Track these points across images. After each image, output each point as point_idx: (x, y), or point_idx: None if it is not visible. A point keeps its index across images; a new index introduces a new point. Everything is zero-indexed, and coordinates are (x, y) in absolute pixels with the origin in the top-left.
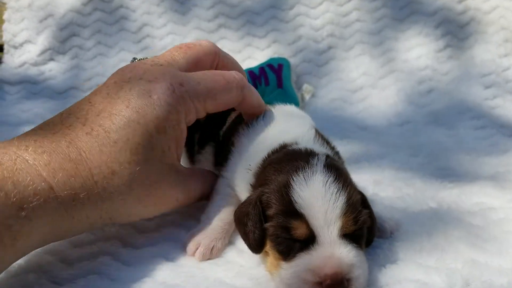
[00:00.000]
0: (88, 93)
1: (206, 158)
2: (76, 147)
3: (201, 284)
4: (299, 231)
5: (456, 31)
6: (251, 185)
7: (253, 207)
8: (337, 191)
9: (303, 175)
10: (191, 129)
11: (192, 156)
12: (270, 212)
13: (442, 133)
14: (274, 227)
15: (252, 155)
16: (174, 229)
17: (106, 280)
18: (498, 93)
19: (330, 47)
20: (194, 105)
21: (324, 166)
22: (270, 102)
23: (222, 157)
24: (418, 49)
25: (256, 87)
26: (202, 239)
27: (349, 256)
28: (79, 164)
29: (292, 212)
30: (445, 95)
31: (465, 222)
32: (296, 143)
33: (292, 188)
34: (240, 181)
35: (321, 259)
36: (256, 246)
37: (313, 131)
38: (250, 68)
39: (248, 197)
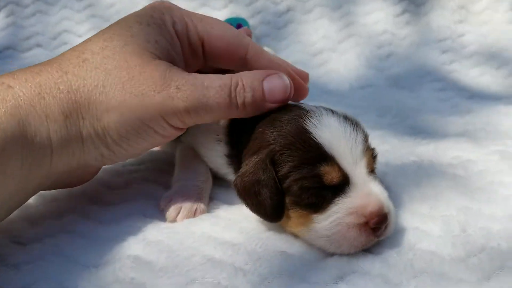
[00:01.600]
0: (28, 53)
1: None
2: (55, 61)
3: (187, 239)
4: (332, 174)
5: None
6: (226, 155)
7: (263, 171)
8: (353, 128)
9: (315, 119)
10: None
11: None
12: (289, 166)
13: (405, 96)
14: (300, 180)
15: (210, 125)
16: (146, 185)
17: (78, 239)
18: (455, 58)
19: (289, 9)
20: (184, 18)
21: (325, 109)
22: None
23: None
24: (376, 14)
25: None
26: (182, 202)
27: (383, 191)
28: (47, 64)
29: (319, 157)
30: (404, 59)
31: (449, 173)
32: None
33: (311, 132)
34: (208, 152)
35: (362, 198)
36: (277, 214)
37: None
38: None
39: (252, 164)
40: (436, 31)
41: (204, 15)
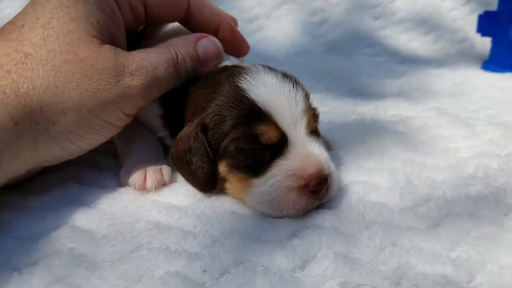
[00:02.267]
0: None
1: None
2: None
3: (129, 205)
4: (270, 134)
5: None
6: (161, 117)
7: (194, 139)
8: (293, 86)
9: (250, 77)
10: None
11: None
12: (225, 128)
13: (340, 61)
14: (236, 140)
15: None
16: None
17: (5, 211)
18: (386, 24)
19: None
20: None
21: (262, 66)
22: None
23: None
24: None
25: None
26: (144, 167)
27: (323, 152)
28: None
29: (255, 116)
30: (338, 25)
31: (391, 130)
32: None
33: (246, 90)
34: (144, 115)
35: (301, 160)
36: (208, 183)
37: None
38: None
39: (183, 132)
40: None
41: None
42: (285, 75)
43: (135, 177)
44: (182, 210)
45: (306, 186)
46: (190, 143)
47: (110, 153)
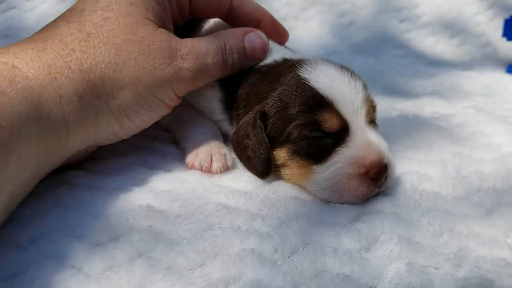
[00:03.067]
0: None
1: None
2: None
3: (197, 188)
4: (332, 121)
5: None
6: (222, 101)
7: (252, 126)
8: (352, 76)
9: (310, 67)
10: None
11: None
12: (287, 115)
13: (370, 61)
14: (299, 127)
15: None
16: (141, 138)
17: (79, 190)
18: (411, 27)
19: None
20: None
21: (320, 58)
22: None
23: None
24: None
25: None
26: (210, 151)
27: (382, 141)
28: (48, 39)
29: (318, 103)
30: (365, 27)
31: (434, 125)
32: None
33: (308, 79)
34: (203, 99)
35: (362, 148)
36: (264, 169)
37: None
38: None
39: (244, 120)
40: (393, 1)
41: None
42: (343, 67)
43: (203, 159)
44: (247, 195)
45: (366, 173)
46: (249, 129)
47: (171, 141)
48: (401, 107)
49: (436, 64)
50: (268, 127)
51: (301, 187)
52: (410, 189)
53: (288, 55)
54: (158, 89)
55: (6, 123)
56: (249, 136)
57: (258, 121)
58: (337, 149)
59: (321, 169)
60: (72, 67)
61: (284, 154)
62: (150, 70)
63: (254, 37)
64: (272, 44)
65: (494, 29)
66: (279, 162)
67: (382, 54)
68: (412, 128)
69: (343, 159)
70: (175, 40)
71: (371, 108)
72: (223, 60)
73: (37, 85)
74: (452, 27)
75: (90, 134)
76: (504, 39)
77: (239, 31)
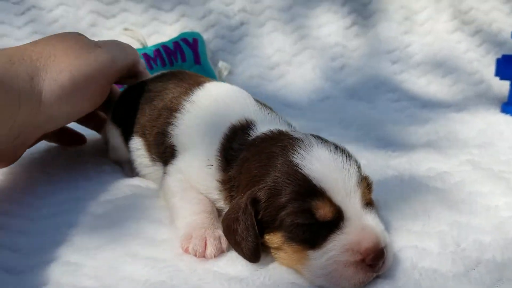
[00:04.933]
0: None
1: (137, 153)
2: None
3: (191, 277)
4: (325, 210)
5: (361, 9)
6: (219, 181)
7: (243, 212)
8: (345, 159)
9: (303, 150)
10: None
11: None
12: (279, 202)
13: (363, 107)
14: (292, 215)
15: (203, 147)
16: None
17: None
18: (404, 68)
19: (242, 23)
20: None
21: (314, 137)
22: None
23: (163, 150)
24: (328, 27)
25: (172, 63)
26: (204, 233)
27: (378, 224)
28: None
29: (310, 191)
30: (357, 70)
31: (431, 186)
32: (248, 122)
33: (300, 165)
34: (201, 179)
35: (357, 234)
36: (251, 255)
37: (252, 100)
38: (164, 43)
39: (235, 202)
40: (384, 42)
41: None
42: (337, 147)
43: (196, 244)
44: (243, 282)
45: (362, 260)
46: (239, 213)
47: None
48: (396, 164)
49: (430, 106)
50: (261, 212)
51: (297, 271)
52: (410, 268)
53: (280, 126)
54: (89, 71)
55: None
56: (238, 221)
57: (249, 206)
58: (332, 235)
59: (316, 256)
60: (25, 58)
61: (279, 239)
62: (78, 57)
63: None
64: (263, 112)
65: (486, 65)
66: (273, 246)
67: (375, 99)
68: (409, 192)
69: (338, 246)
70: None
71: (366, 189)
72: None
73: (2, 68)
74: (444, 66)
75: (35, 109)
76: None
77: None
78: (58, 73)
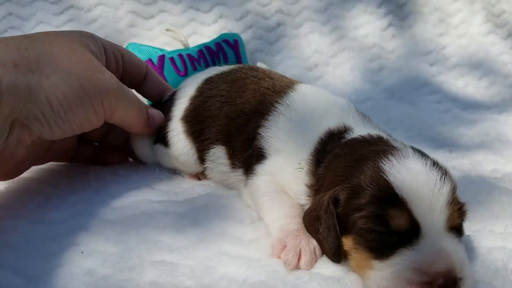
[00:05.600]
0: None
1: (217, 163)
2: None
3: (288, 277)
4: (399, 220)
5: (396, 11)
6: (307, 185)
7: (325, 210)
8: (441, 176)
9: (395, 159)
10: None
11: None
12: (356, 204)
13: (406, 108)
14: (364, 218)
15: (296, 150)
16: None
17: None
18: (441, 69)
19: (279, 24)
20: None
21: (413, 149)
22: None
23: (247, 156)
24: (365, 28)
25: (214, 64)
26: (298, 244)
27: (459, 252)
28: None
29: (389, 198)
30: (396, 72)
31: (502, 187)
32: (346, 128)
33: (387, 171)
34: (290, 182)
35: (430, 255)
36: (333, 255)
37: (353, 107)
38: (206, 43)
39: (317, 199)
40: (421, 44)
41: None
42: (435, 164)
43: (290, 257)
44: (341, 283)
45: (430, 284)
46: (321, 212)
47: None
48: (459, 165)
49: (471, 107)
50: (339, 211)
51: (362, 278)
52: (502, 269)
53: (379, 133)
54: (88, 84)
55: None
56: (320, 220)
57: (331, 206)
58: (402, 249)
59: (380, 267)
60: (9, 44)
61: (349, 243)
62: (82, 68)
63: (155, 110)
64: (363, 120)
65: None
66: (345, 249)
67: (417, 100)
68: (481, 193)
69: (405, 262)
70: (101, 65)
71: (457, 214)
72: (138, 102)
73: None
74: (480, 68)
75: (22, 101)
76: None
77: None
78: (52, 71)
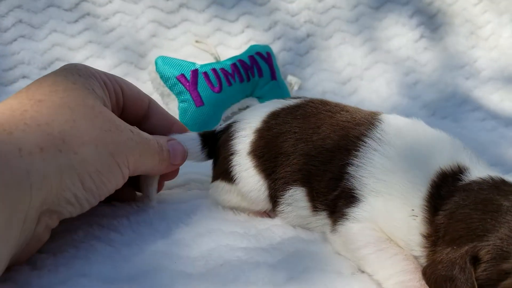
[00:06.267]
0: (13, 86)
1: (295, 206)
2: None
3: None
4: None
5: (428, 22)
6: (423, 235)
7: (460, 270)
8: None
9: None
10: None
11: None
12: (506, 267)
13: (451, 126)
14: None
15: (405, 194)
16: None
17: None
18: (476, 84)
19: (308, 35)
20: (101, 73)
21: None
22: (264, 96)
23: (333, 197)
24: (397, 39)
25: (248, 79)
26: None
27: None
28: None
29: None
30: (432, 86)
31: None
32: (460, 168)
33: None
34: (402, 231)
35: None
36: None
37: (460, 142)
38: (239, 57)
39: (446, 255)
40: (454, 57)
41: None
42: None
43: None
44: None
45: None
46: (454, 272)
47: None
48: None
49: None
50: (478, 273)
51: None
52: None
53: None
54: (115, 150)
55: None
56: (454, 281)
57: (469, 265)
58: None
59: None
60: (28, 122)
61: None
62: (106, 131)
63: (175, 144)
64: (474, 157)
65: None
66: None
67: (460, 118)
68: None
69: None
70: (118, 118)
71: None
72: (161, 150)
73: None
74: None
75: (53, 190)
76: None
77: (162, 137)
78: (79, 145)
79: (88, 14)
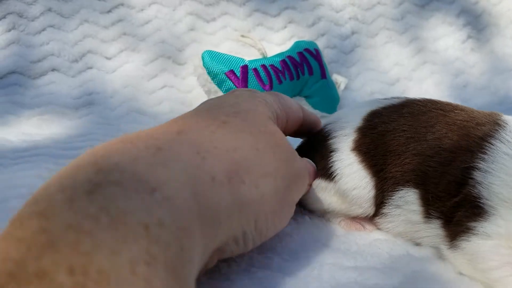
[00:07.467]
0: (42, 79)
1: (404, 209)
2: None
3: None
4: None
5: (474, 22)
6: None
7: None
8: None
9: None
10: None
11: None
12: None
13: None
14: None
15: None
16: None
17: None
18: None
19: (353, 32)
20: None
21: None
22: (313, 95)
23: (452, 204)
24: (444, 40)
25: (298, 77)
26: None
27: None
28: (182, 122)
29: None
30: (483, 89)
31: None
32: None
33: None
34: None
35: None
36: None
37: None
38: (287, 53)
39: None
40: (503, 60)
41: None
42: None
43: None
44: None
45: None
46: None
47: None
48: None
49: None
50: None
51: None
52: None
53: None
54: (292, 183)
55: (169, 219)
56: None
57: None
58: None
59: None
60: (218, 146)
61: None
62: (285, 161)
63: (311, 163)
64: None
65: None
66: None
67: None
68: None
69: None
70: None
71: None
72: (314, 171)
73: (191, 166)
74: None
75: (232, 227)
76: None
77: (304, 159)
78: (261, 177)
79: (122, 4)
